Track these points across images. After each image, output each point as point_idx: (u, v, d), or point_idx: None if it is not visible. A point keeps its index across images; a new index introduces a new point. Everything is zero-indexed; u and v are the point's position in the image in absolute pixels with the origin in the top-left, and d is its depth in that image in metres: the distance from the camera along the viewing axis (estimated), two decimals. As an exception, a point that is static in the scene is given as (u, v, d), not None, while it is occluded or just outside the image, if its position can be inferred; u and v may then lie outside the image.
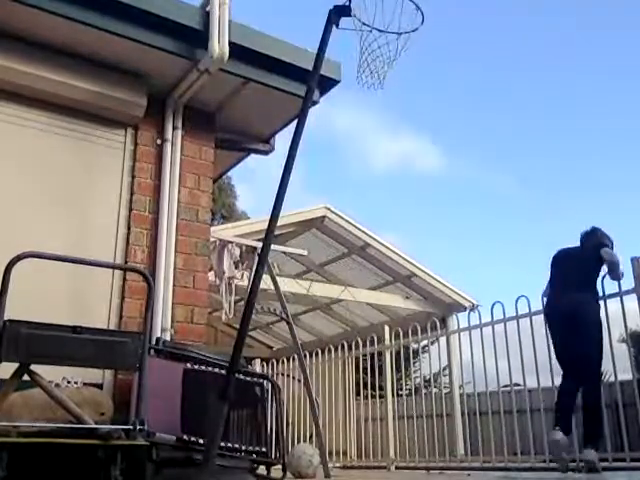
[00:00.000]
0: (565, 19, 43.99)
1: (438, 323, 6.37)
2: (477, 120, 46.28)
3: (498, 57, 47.12)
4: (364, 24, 3.23)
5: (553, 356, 4.82)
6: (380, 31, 3.24)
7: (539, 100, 44.34)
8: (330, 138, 43.50)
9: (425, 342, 6.47)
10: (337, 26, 3.22)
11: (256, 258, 5.09)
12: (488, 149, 47.13)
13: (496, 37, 48.88)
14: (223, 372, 3.34)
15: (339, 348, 7.45)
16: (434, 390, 13.10)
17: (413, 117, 49.07)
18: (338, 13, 3.22)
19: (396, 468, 6.61)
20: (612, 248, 4.71)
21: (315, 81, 3.23)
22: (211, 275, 5.16)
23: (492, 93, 47.31)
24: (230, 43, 3.89)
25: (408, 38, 3.23)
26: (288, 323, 5.50)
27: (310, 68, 3.31)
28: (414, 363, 9.95)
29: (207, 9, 3.95)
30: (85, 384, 3.36)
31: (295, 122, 3.20)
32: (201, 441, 3.18)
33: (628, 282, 4.55)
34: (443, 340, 8.15)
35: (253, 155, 5.10)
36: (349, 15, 3.22)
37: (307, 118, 3.14)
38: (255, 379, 3.91)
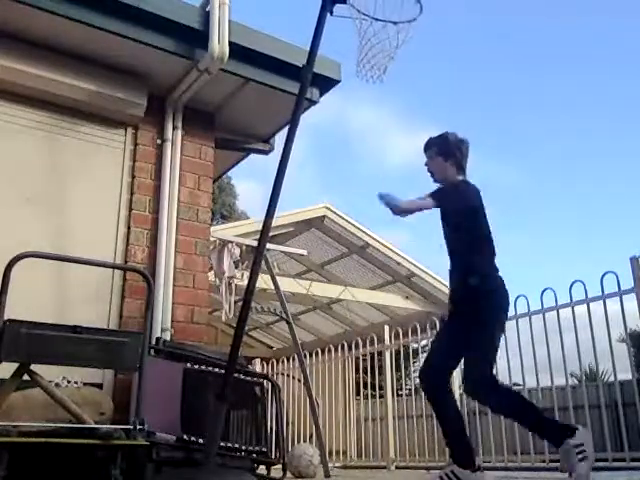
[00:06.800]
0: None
1: (438, 323, 6.36)
2: (483, 119, 46.26)
3: (514, 57, 47.18)
4: (360, 12, 3.04)
5: (553, 355, 4.83)
6: (376, 20, 3.05)
7: (547, 99, 44.34)
8: (345, 135, 43.38)
9: (425, 342, 6.47)
10: (331, 14, 2.99)
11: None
12: (498, 145, 47.20)
13: (513, 37, 48.88)
14: (223, 372, 3.34)
15: (339, 348, 7.45)
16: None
17: (428, 114, 49.00)
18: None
19: (396, 468, 6.61)
20: None
21: (309, 73, 2.93)
22: (211, 275, 5.16)
23: (504, 92, 47.34)
24: (230, 43, 3.89)
25: (408, 30, 3.04)
26: (288, 323, 5.51)
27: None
28: (414, 363, 10.00)
29: (207, 9, 3.95)
30: (85, 384, 3.35)
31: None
32: (201, 441, 3.18)
33: (628, 282, 4.56)
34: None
35: (253, 155, 5.10)
36: (344, 2, 3.02)
37: (300, 116, 2.93)
38: (255, 379, 3.91)
